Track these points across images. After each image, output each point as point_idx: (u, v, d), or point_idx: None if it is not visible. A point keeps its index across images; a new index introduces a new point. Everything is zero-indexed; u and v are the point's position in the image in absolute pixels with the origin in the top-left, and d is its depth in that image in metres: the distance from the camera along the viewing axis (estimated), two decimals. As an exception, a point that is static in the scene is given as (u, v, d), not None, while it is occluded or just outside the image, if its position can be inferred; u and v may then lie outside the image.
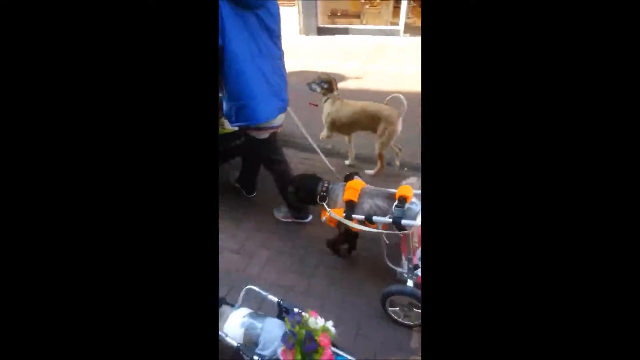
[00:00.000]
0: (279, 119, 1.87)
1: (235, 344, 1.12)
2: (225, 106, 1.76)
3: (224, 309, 1.31)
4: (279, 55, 1.78)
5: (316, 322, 1.10)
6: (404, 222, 1.35)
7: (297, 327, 1.07)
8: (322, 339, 1.05)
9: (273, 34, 1.70)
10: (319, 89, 2.47)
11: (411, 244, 1.39)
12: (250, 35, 1.58)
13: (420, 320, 1.45)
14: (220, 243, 1.87)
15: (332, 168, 2.17)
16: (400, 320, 1.52)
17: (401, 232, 1.38)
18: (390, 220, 1.37)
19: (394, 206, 1.39)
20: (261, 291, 1.33)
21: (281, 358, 1.05)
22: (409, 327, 1.52)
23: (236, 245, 1.97)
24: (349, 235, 1.75)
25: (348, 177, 1.69)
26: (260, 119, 1.73)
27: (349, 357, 1.14)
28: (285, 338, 1.05)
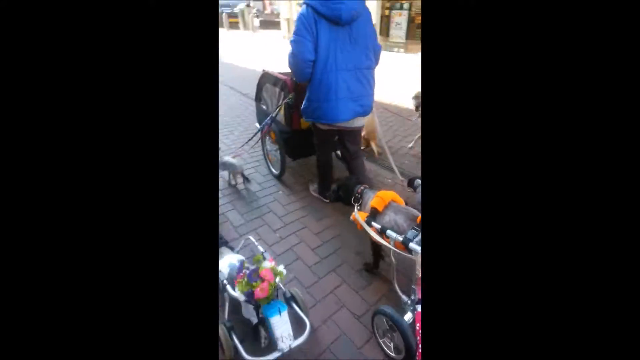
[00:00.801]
0: (352, 122, 2.03)
1: (224, 281, 1.40)
2: (303, 105, 2.06)
3: (224, 249, 1.63)
4: (367, 65, 1.96)
5: (268, 262, 1.30)
6: (411, 245, 1.27)
7: (245, 263, 1.36)
8: (264, 273, 1.24)
9: (363, 46, 1.90)
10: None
11: (417, 273, 1.27)
12: (339, 48, 1.84)
13: (399, 357, 1.31)
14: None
15: (401, 178, 2.36)
16: (386, 350, 1.39)
17: (408, 255, 1.31)
18: (401, 239, 1.31)
19: (411, 228, 1.33)
20: (254, 241, 1.65)
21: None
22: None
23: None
24: (374, 247, 1.71)
25: (411, 181, 1.86)
26: (329, 119, 1.96)
27: (299, 311, 1.39)
28: (238, 267, 1.35)
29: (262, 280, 1.24)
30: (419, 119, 2.84)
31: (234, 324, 1.36)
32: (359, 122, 2.07)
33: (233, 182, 2.68)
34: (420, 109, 2.85)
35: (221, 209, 2.37)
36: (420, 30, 9.21)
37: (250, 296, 1.24)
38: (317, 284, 1.76)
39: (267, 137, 2.78)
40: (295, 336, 1.27)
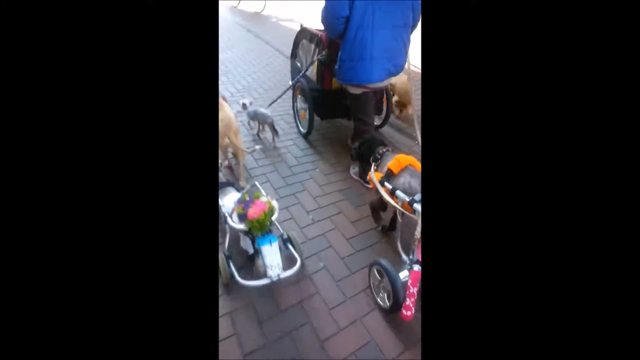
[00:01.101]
0: (385, 82, 2.01)
1: (225, 213, 1.53)
2: (337, 65, 1.97)
3: (230, 189, 1.79)
4: (405, 23, 1.86)
5: (263, 194, 1.52)
6: (415, 205, 1.32)
7: (246, 194, 1.50)
8: (257, 203, 1.43)
9: (402, 3, 1.79)
10: None
11: (417, 235, 1.33)
12: (377, 4, 1.73)
13: (388, 306, 1.41)
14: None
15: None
16: (375, 297, 1.50)
17: (411, 215, 1.37)
18: (408, 200, 1.35)
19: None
20: (259, 186, 1.79)
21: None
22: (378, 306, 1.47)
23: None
24: (381, 204, 1.76)
25: None
26: (363, 80, 1.89)
27: (293, 250, 1.58)
28: (239, 199, 1.50)
29: (254, 208, 1.41)
30: None
31: (232, 254, 1.54)
32: (388, 81, 2.05)
33: (261, 133, 2.74)
34: None
35: (255, 180, 2.26)
36: None
37: (243, 217, 1.41)
38: (349, 279, 1.61)
39: (299, 95, 2.75)
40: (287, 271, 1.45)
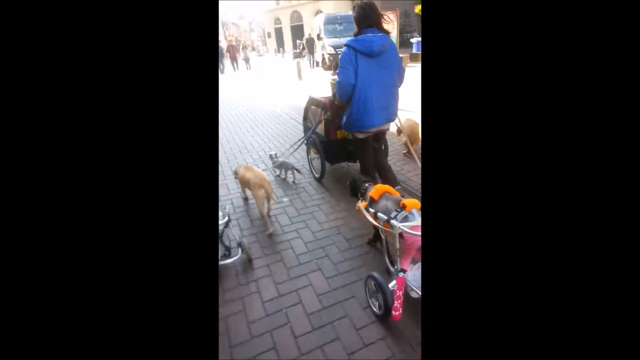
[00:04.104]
0: (384, 126, 2.65)
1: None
2: (344, 120, 2.63)
3: None
4: (393, 84, 2.59)
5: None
6: (392, 222, 1.57)
7: None
8: None
9: (390, 70, 2.52)
10: None
11: (396, 245, 1.58)
12: (372, 72, 2.46)
13: (380, 312, 1.64)
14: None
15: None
16: (372, 306, 1.72)
17: (390, 230, 1.61)
18: (385, 218, 1.63)
19: (395, 209, 1.65)
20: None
21: None
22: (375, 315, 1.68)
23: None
24: (374, 228, 2.03)
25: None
26: (366, 126, 2.54)
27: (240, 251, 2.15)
28: None
29: None
30: None
31: None
32: (386, 126, 2.68)
33: (283, 176, 3.48)
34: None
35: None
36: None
37: None
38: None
39: (311, 150, 3.49)
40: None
